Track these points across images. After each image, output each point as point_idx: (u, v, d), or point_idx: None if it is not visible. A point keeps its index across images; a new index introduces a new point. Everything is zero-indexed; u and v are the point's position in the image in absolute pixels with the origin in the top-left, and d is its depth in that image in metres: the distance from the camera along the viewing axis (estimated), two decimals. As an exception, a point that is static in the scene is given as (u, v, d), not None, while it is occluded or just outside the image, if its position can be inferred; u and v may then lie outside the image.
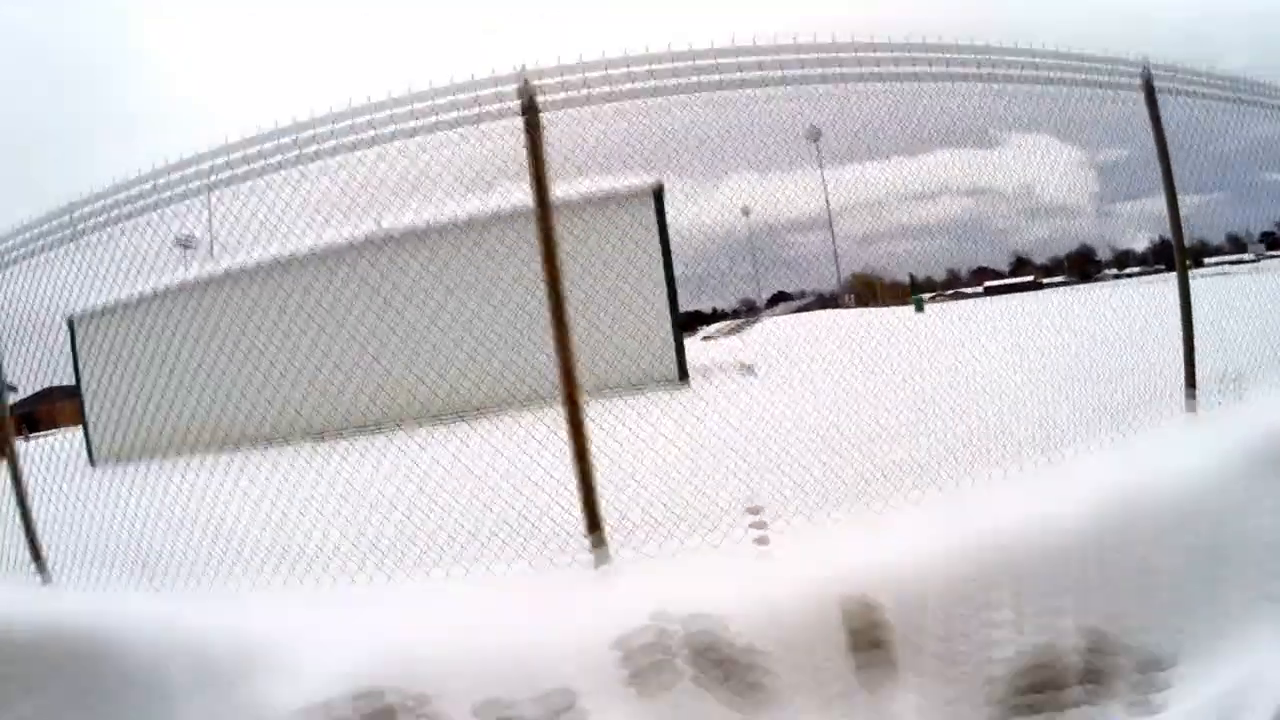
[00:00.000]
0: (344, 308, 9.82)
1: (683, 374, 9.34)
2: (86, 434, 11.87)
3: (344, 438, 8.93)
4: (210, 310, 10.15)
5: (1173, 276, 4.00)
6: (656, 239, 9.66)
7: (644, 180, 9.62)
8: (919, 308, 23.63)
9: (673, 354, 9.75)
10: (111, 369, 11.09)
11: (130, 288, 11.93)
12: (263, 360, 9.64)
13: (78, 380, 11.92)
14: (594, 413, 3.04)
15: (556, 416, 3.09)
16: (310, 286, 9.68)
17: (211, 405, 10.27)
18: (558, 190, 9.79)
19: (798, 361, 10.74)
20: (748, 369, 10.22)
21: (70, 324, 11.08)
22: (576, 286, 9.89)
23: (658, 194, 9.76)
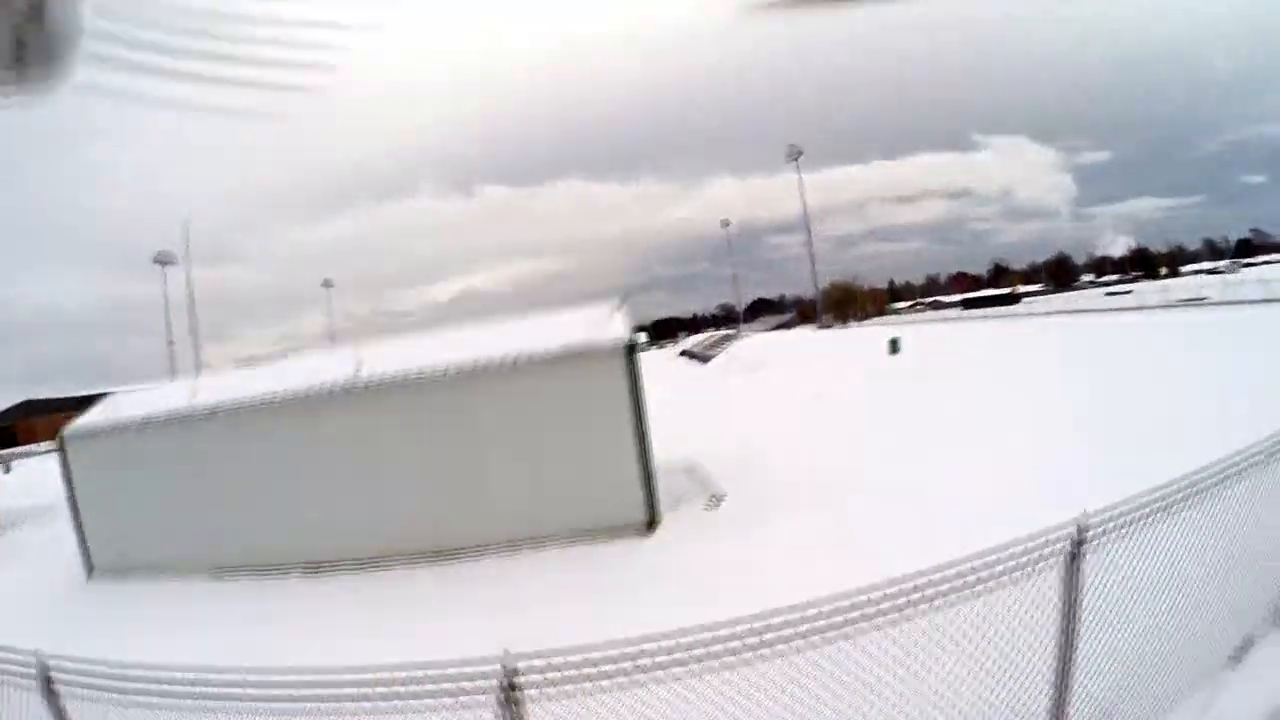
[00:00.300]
0: (333, 448, 10.34)
1: (651, 520, 9.62)
2: (83, 540, 11.79)
3: (340, 570, 9.69)
4: (207, 440, 10.78)
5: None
6: (627, 394, 9.75)
7: (617, 336, 9.95)
8: (894, 349, 23.03)
9: (641, 503, 9.64)
10: (107, 487, 11.59)
11: (124, 412, 11.79)
12: (259, 490, 10.54)
13: (71, 493, 11.91)
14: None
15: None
16: (304, 425, 10.37)
17: (210, 529, 10.71)
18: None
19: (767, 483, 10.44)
20: (715, 500, 10.22)
21: (61, 440, 11.99)
22: (551, 437, 9.82)
23: (630, 349, 9.84)
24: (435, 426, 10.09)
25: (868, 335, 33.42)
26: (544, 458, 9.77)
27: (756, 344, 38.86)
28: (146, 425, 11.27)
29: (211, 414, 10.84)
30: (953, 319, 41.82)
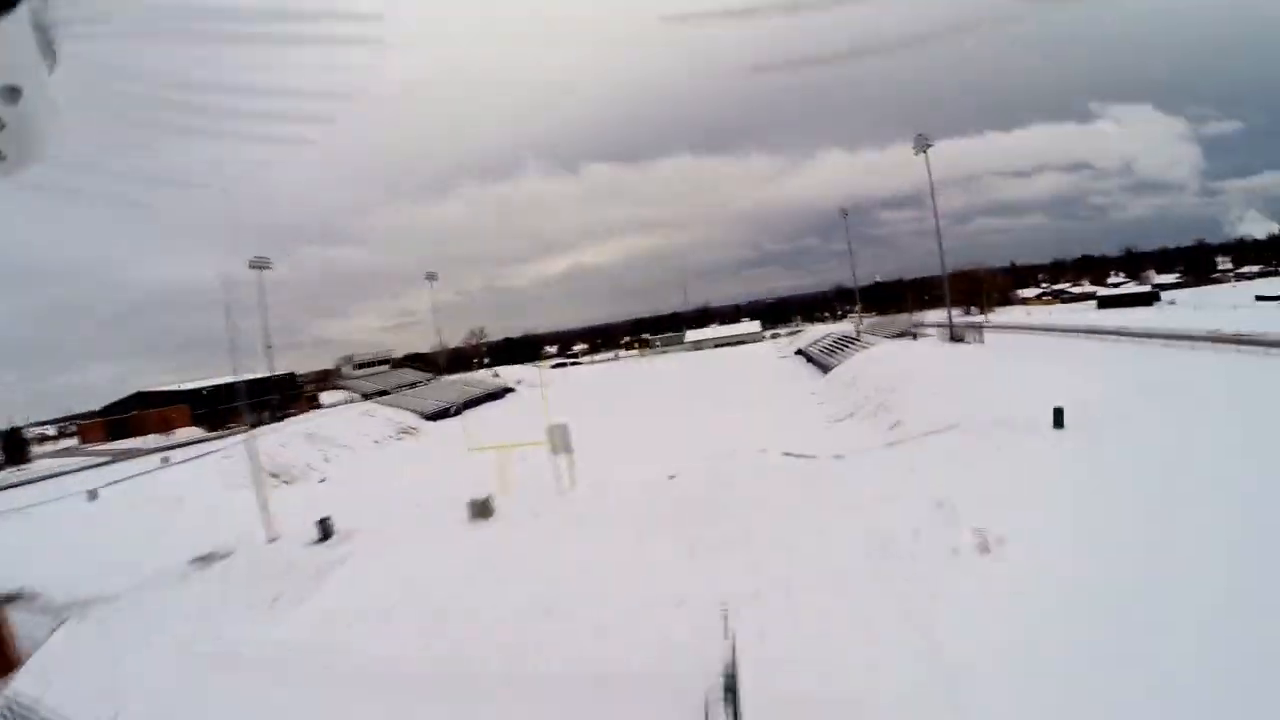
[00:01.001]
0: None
1: None
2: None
3: None
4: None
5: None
6: None
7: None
8: (1058, 422, 21.68)
9: None
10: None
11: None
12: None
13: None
14: None
15: None
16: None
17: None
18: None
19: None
20: None
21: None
22: None
23: None
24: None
25: (1011, 360, 30.78)
26: None
27: (882, 361, 38.40)
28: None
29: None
30: (1095, 334, 41.07)
